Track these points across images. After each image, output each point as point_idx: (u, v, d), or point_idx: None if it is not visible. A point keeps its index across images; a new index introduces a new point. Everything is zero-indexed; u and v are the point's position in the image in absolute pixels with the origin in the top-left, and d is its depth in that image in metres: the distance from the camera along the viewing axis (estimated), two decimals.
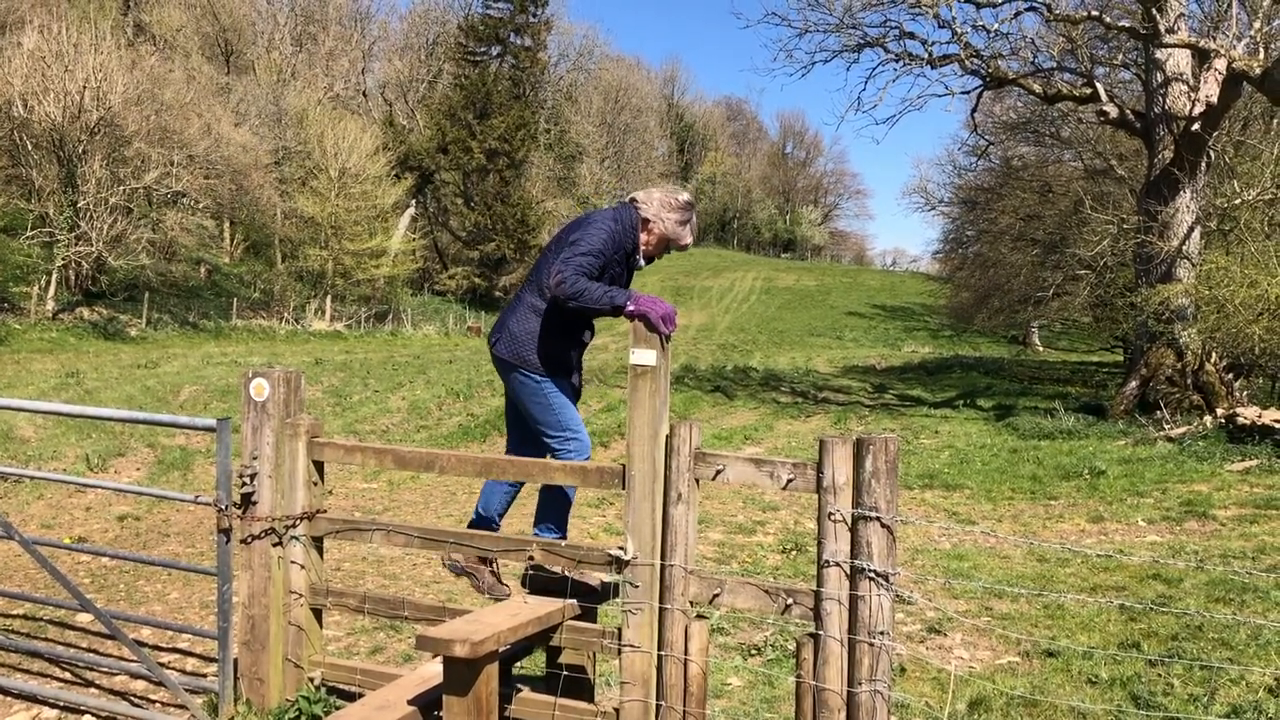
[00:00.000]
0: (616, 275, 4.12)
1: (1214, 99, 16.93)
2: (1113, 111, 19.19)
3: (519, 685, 4.03)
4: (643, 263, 4.28)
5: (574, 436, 4.17)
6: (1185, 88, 17.92)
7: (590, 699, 3.98)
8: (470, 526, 4.38)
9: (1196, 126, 17.18)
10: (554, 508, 4.31)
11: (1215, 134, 18.13)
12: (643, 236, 4.22)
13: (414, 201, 55.98)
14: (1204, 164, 18.28)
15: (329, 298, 43.63)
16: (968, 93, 23.06)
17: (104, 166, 30.94)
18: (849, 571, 3.27)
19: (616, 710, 3.55)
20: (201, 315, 35.99)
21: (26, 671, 4.79)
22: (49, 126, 29.95)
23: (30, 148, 30.76)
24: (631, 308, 3.66)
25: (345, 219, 43.41)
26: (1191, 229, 18.06)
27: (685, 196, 4.32)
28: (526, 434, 4.32)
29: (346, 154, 43.75)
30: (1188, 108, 17.46)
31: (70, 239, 30.38)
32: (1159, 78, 18.34)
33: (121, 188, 31.48)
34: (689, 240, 4.31)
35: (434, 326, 47.64)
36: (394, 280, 48.23)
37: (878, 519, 3.21)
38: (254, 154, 42.81)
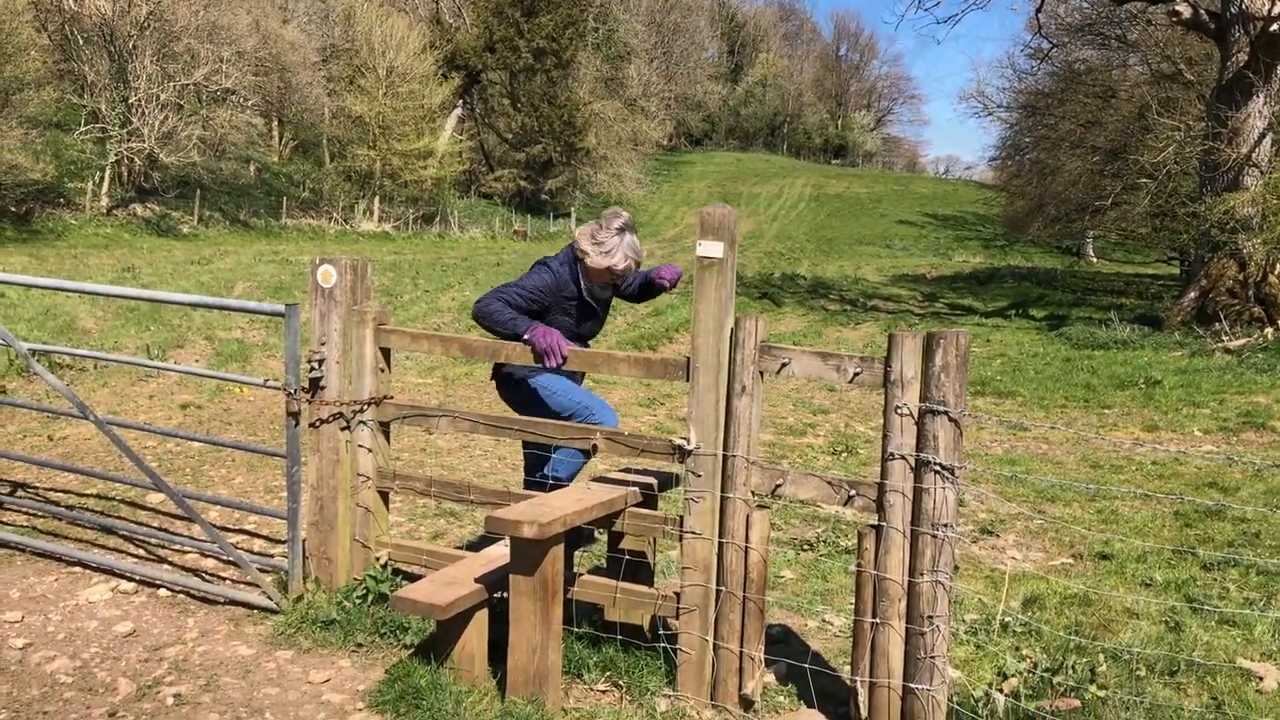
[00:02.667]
0: (568, 310, 4.38)
1: None
2: (1186, 12, 18.43)
3: (579, 571, 4.13)
4: (599, 292, 4.47)
5: (586, 408, 4.37)
6: None
7: (650, 583, 4.05)
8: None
9: (1275, 27, 16.49)
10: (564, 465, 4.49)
11: None
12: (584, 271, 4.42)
13: (461, 102, 55.43)
14: None
15: (377, 199, 43.67)
16: None
17: (154, 62, 30.95)
18: (914, 465, 3.28)
19: (677, 594, 3.62)
20: (252, 214, 36.24)
21: (103, 547, 4.97)
22: (99, 20, 29.93)
23: (81, 42, 30.81)
24: (527, 336, 4.04)
25: (393, 119, 43.14)
26: (1263, 135, 17.47)
27: (618, 222, 4.37)
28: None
29: (394, 52, 43.29)
30: (1266, 7, 16.73)
31: (123, 135, 30.58)
32: None
33: (172, 84, 31.52)
34: (620, 265, 4.38)
35: (480, 229, 47.61)
36: (441, 182, 48.05)
37: (945, 413, 3.20)
38: (302, 51, 42.60)
